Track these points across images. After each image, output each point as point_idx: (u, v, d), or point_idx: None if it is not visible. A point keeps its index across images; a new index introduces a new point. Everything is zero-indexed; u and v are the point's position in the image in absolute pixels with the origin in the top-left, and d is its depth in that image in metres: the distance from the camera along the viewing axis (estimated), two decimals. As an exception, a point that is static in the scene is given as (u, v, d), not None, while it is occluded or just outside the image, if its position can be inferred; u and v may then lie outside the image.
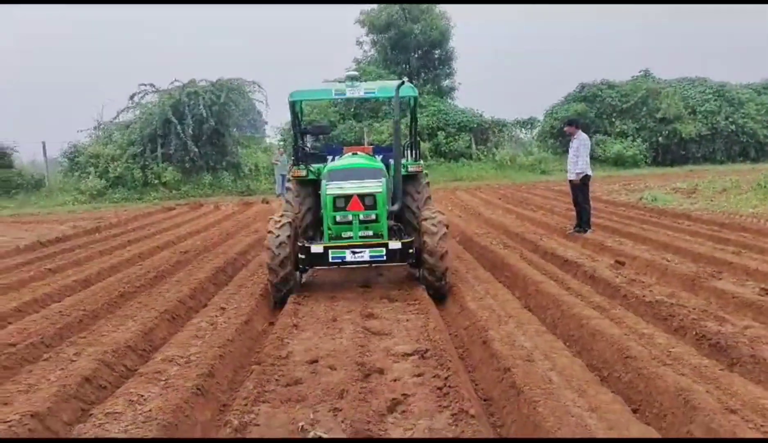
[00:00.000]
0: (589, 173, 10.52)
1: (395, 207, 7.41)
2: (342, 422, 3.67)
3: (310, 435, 3.53)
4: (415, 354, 4.84)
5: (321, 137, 9.36)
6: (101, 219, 17.83)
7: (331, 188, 6.88)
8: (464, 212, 15.86)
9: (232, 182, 27.19)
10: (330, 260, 6.81)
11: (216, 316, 6.26)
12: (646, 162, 32.43)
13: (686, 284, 6.70)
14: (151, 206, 22.97)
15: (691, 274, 6.90)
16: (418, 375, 4.40)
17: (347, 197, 6.84)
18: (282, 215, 7.11)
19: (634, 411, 3.82)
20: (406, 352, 4.91)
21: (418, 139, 8.56)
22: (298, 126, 8.23)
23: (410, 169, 8.01)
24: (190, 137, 25.75)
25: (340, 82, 7.10)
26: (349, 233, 6.95)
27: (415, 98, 8.18)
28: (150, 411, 3.86)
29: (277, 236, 6.74)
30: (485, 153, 31.97)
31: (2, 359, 4.90)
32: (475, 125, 32.23)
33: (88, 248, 11.67)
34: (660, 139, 32.73)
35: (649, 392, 3.94)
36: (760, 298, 5.78)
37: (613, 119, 33.46)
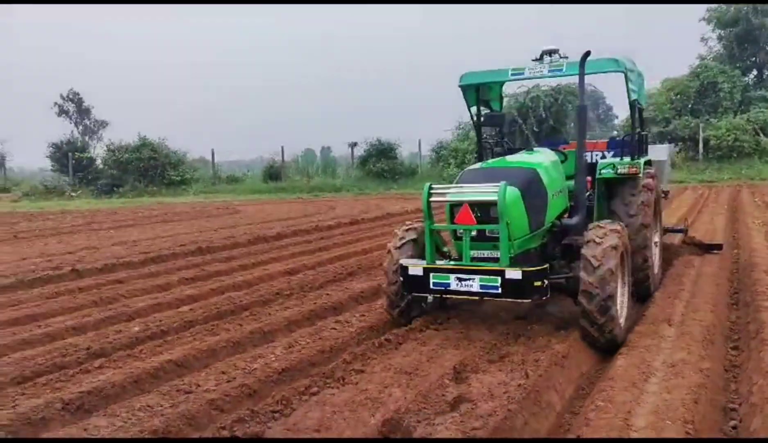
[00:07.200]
0: None
1: (573, 221, 5.76)
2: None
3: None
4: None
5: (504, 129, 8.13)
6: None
7: (450, 193, 5.35)
8: (727, 205, 16.35)
9: (564, 173, 31.32)
10: (431, 286, 5.35)
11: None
12: None
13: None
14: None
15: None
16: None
17: (457, 206, 5.28)
18: (408, 230, 5.83)
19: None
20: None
21: (639, 131, 6.81)
22: (478, 117, 7.02)
23: (619, 170, 6.17)
24: (532, 134, 30.84)
25: (534, 60, 6.23)
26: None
27: (625, 74, 6.01)
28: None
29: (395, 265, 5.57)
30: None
31: (321, 280, 8.06)
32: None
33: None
34: None
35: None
36: None
37: None
